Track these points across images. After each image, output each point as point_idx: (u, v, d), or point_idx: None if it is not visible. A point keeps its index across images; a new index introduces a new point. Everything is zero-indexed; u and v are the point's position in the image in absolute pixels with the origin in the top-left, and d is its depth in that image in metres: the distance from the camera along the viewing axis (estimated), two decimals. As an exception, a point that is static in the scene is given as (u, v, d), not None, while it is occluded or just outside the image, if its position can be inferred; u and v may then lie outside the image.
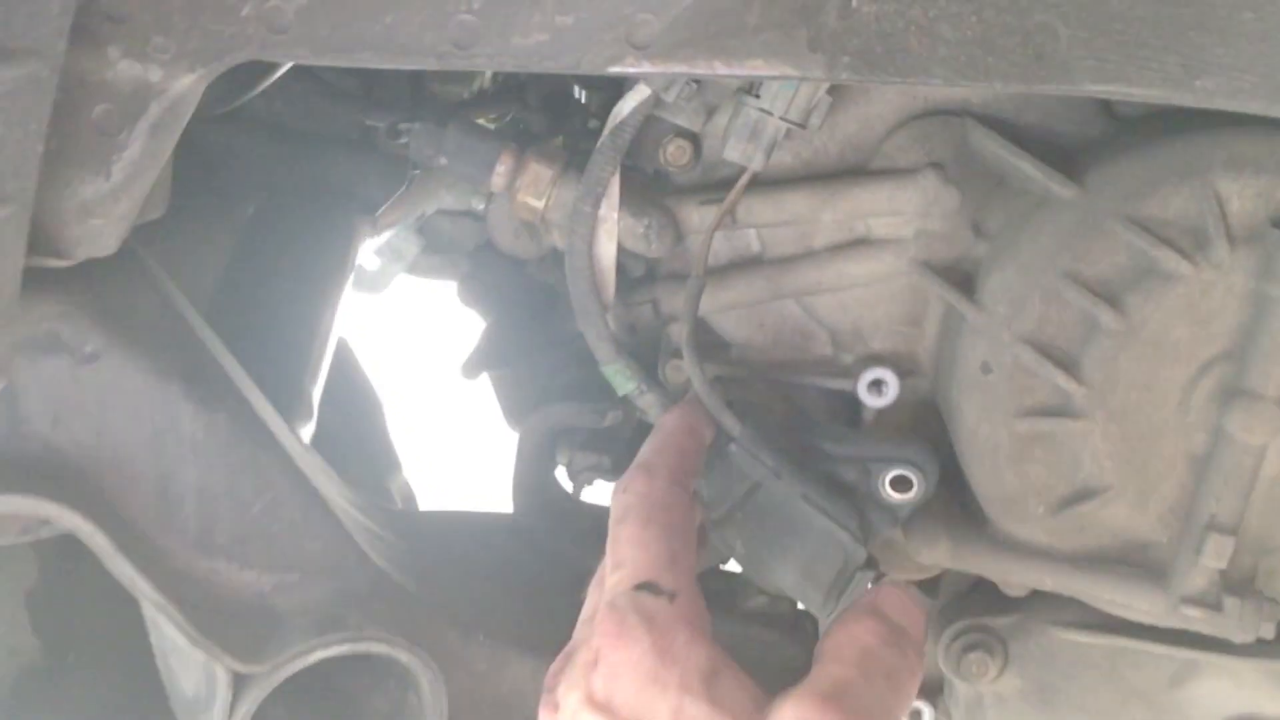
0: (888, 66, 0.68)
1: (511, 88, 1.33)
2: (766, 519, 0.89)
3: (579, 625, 0.79)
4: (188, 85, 0.71)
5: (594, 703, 0.70)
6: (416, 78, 1.72)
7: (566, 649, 0.78)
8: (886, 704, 0.70)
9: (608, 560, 0.78)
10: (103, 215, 0.74)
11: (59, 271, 0.78)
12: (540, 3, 0.68)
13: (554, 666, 0.77)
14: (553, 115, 1.29)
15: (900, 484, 0.91)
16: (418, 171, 1.83)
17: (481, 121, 1.33)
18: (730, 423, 0.89)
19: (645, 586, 0.74)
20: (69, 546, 1.33)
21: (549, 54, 0.70)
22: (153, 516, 0.84)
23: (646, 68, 0.69)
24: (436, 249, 2.23)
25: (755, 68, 0.69)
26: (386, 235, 1.99)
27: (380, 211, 1.79)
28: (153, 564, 0.83)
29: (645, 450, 0.86)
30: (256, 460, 0.87)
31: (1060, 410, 0.88)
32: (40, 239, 0.73)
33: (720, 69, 0.69)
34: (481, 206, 2.18)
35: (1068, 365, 0.87)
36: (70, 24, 0.63)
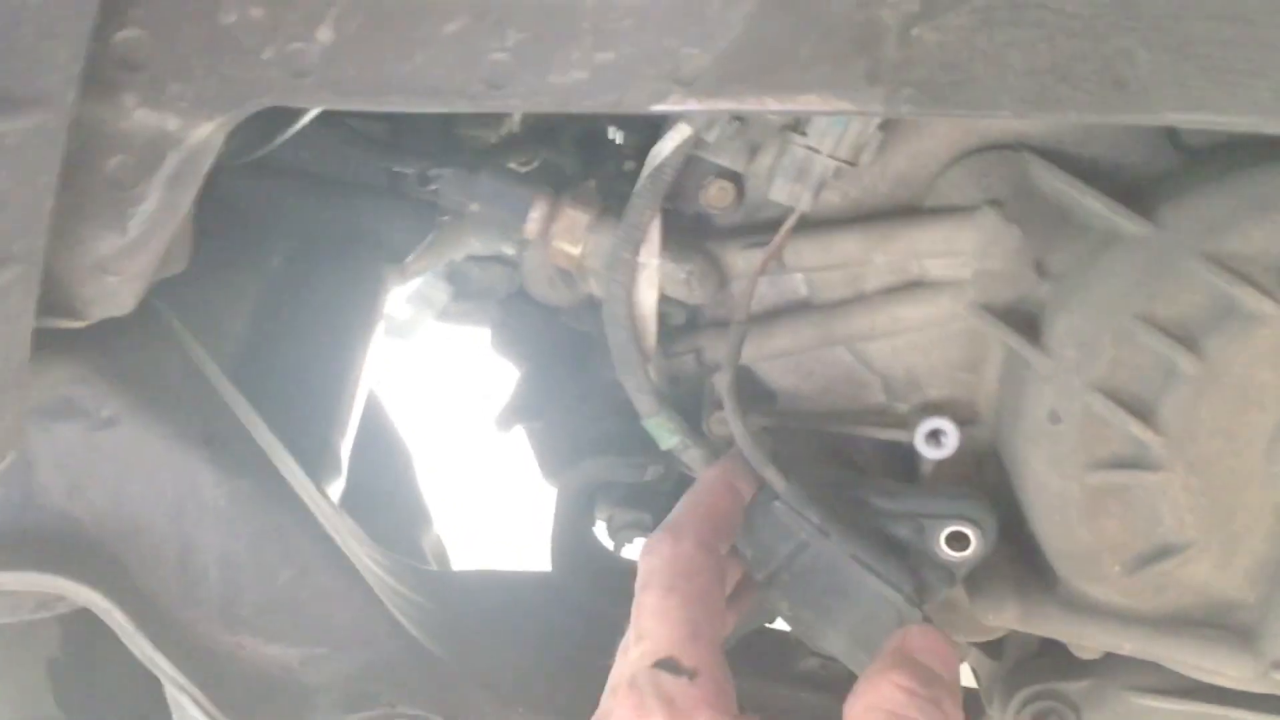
0: (953, 98, 0.63)
1: (543, 130, 1.29)
2: (814, 580, 0.84)
3: (604, 696, 0.75)
4: (207, 134, 0.68)
5: None
6: (446, 122, 1.69)
7: None
8: None
9: (631, 629, 0.74)
10: (119, 272, 0.70)
11: (73, 331, 0.74)
12: (579, 38, 0.64)
13: None
14: (585, 158, 1.25)
15: (957, 541, 0.85)
16: (447, 218, 1.81)
17: (513, 166, 1.29)
18: (774, 478, 0.84)
19: (665, 664, 0.70)
20: (91, 615, 1.29)
21: (588, 92, 0.65)
22: (174, 589, 0.79)
23: (693, 105, 0.65)
24: (466, 295, 2.20)
25: (809, 103, 0.64)
26: (416, 283, 1.96)
27: (409, 259, 1.76)
28: (174, 641, 0.79)
29: (676, 510, 0.82)
30: (283, 527, 0.82)
31: (1136, 462, 0.82)
32: (52, 299, 0.69)
33: (772, 105, 0.65)
34: (511, 251, 2.16)
35: (1143, 413, 0.81)
36: (81, 71, 0.59)
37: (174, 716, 0.90)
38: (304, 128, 1.24)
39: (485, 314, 2.25)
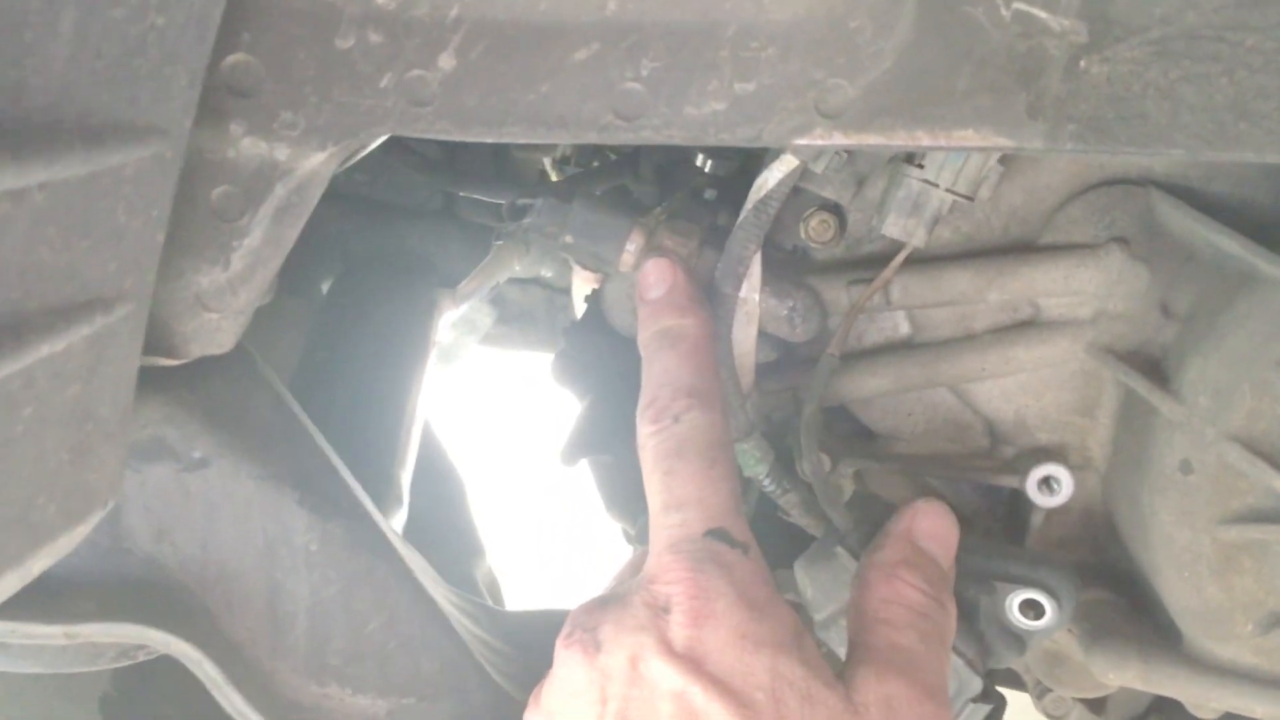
0: (1121, 135, 0.59)
1: (624, 159, 1.25)
2: None
3: (643, 565, 0.68)
4: (317, 165, 0.64)
5: (673, 653, 0.61)
6: (500, 147, 1.66)
7: (600, 597, 0.68)
8: (942, 672, 0.69)
9: (657, 498, 0.68)
10: (219, 309, 0.67)
11: (164, 369, 0.70)
12: (718, 68, 0.60)
13: (586, 607, 0.68)
14: (664, 187, 1.21)
15: (1031, 608, 0.80)
16: (501, 241, 1.77)
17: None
18: (842, 521, 0.81)
19: (717, 534, 0.65)
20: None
21: (725, 125, 0.62)
22: (262, 638, 0.75)
23: (838, 139, 0.61)
24: (506, 318, 2.18)
25: (964, 139, 0.60)
26: (463, 308, 1.94)
27: (462, 283, 1.73)
28: (262, 692, 0.75)
29: (681, 371, 0.74)
30: (374, 572, 0.78)
31: (1274, 516, 0.78)
32: (150, 335, 0.66)
33: (924, 140, 0.61)
34: (550, 274, 2.13)
35: (1284, 466, 0.77)
36: (198, 98, 0.56)
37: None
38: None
39: (525, 337, 2.22)
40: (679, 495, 0.67)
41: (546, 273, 2.12)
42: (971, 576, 0.81)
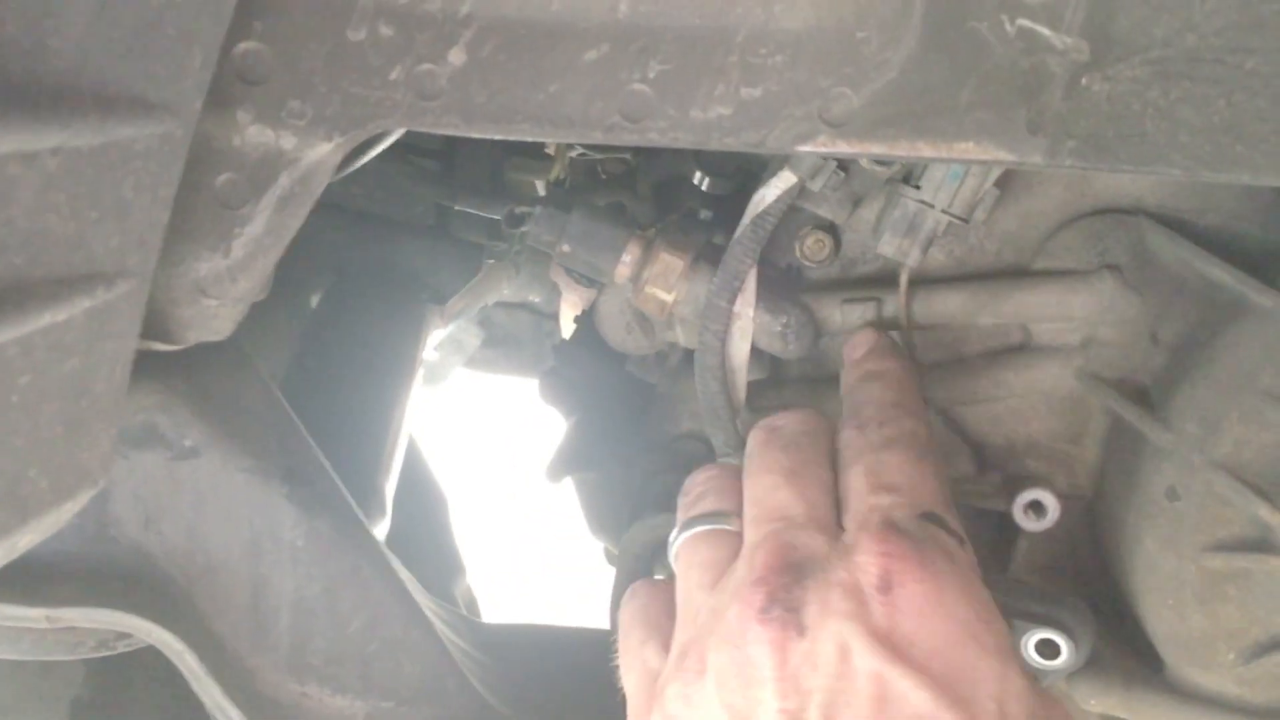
0: (1120, 153, 0.60)
1: (621, 176, 1.26)
2: None
3: (840, 538, 0.59)
4: (322, 155, 0.64)
5: (893, 646, 0.53)
6: (497, 163, 1.66)
7: (790, 562, 0.58)
8: None
9: (862, 481, 0.62)
10: (218, 296, 0.67)
11: (159, 356, 0.70)
12: (724, 72, 0.61)
13: (783, 579, 0.57)
14: (661, 206, 1.21)
15: (1046, 648, 0.79)
16: (492, 260, 1.77)
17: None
18: None
19: (932, 518, 0.58)
20: (117, 656, 1.24)
21: (730, 130, 0.62)
22: (244, 633, 0.75)
23: (841, 148, 0.62)
24: (492, 342, 2.17)
25: (965, 152, 0.61)
26: (450, 327, 1.94)
27: (451, 301, 1.74)
28: (242, 688, 0.74)
29: (887, 393, 0.71)
30: (358, 572, 0.78)
31: (1259, 545, 0.78)
32: (148, 319, 0.65)
33: (925, 151, 0.62)
34: (537, 299, 2.13)
35: (1270, 495, 0.77)
36: (209, 81, 0.56)
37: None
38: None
39: (511, 362, 2.22)
40: (888, 480, 0.61)
41: (534, 298, 2.12)
42: None
